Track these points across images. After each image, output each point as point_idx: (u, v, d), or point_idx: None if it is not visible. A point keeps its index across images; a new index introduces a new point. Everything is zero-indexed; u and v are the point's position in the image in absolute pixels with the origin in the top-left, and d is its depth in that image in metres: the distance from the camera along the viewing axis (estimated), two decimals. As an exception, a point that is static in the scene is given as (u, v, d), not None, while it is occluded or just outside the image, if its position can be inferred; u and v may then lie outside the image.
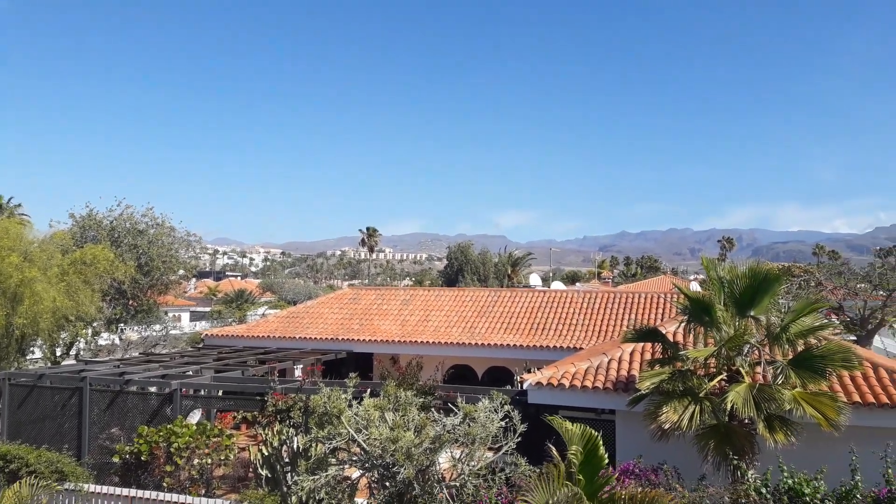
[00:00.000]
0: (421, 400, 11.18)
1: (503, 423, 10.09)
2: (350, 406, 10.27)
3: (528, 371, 16.25)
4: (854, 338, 28.05)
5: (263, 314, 43.27)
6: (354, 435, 9.77)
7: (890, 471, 9.28)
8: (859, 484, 9.25)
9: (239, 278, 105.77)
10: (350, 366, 22.36)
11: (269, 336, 25.14)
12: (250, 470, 14.52)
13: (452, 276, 67.12)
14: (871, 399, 11.27)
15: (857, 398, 11.30)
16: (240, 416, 19.07)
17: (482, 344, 22.62)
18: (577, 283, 62.71)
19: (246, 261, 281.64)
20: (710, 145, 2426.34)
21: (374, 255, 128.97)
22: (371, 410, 9.91)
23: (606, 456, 7.95)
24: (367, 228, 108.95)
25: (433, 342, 23.03)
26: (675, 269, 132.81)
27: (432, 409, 11.13)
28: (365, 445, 9.69)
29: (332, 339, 24.12)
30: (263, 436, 13.88)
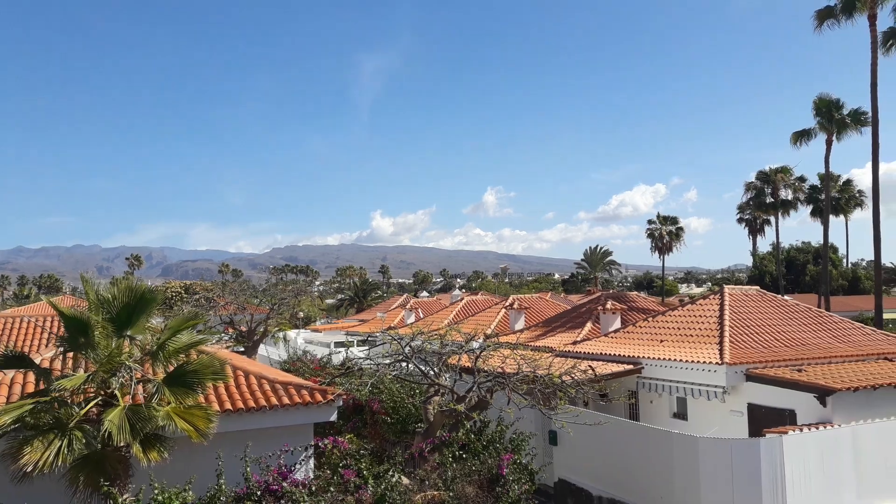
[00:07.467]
0: None
1: None
2: None
3: None
4: (243, 349, 30.94)
5: None
6: None
7: (248, 469, 10.42)
8: (223, 486, 10.10)
9: None
10: None
11: None
12: None
13: None
14: (240, 405, 12.44)
15: (228, 406, 12.31)
16: None
17: None
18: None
19: None
20: (119, 159, 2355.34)
21: None
22: None
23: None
24: None
25: None
26: (77, 289, 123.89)
27: None
28: None
29: None
30: None
